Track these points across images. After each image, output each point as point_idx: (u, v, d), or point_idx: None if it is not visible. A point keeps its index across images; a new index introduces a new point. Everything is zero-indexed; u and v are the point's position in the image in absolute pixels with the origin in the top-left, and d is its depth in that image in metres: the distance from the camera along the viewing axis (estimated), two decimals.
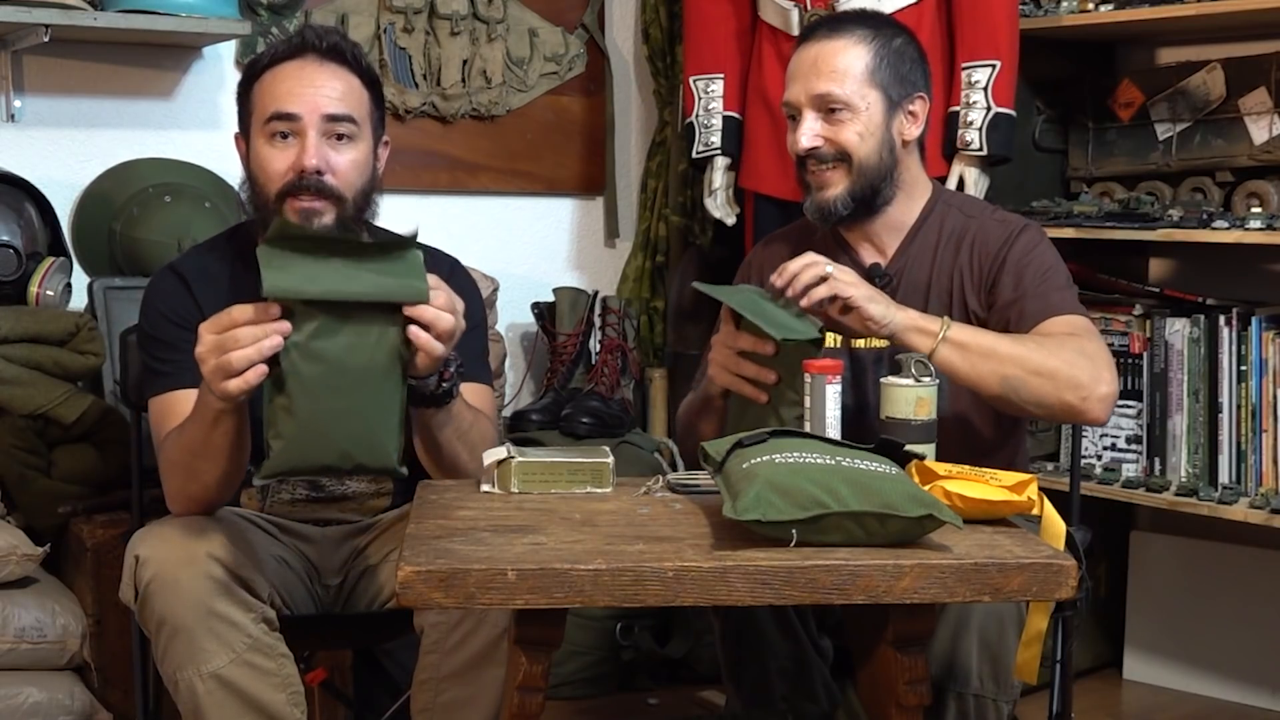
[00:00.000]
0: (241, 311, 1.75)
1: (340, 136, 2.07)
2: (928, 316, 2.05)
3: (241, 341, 1.73)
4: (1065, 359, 2.02)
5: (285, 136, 2.05)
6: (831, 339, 2.25)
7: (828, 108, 2.17)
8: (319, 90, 2.06)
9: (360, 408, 1.77)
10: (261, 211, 2.09)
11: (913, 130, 2.23)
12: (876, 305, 2.02)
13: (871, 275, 2.22)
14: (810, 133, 2.18)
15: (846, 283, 2.01)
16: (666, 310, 3.52)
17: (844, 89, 2.17)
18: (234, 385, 1.74)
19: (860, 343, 2.23)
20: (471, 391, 2.12)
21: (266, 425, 1.77)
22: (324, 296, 1.72)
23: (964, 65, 2.85)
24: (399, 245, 1.76)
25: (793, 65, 2.23)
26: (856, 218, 2.22)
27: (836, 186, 2.19)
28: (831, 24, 2.23)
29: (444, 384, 1.98)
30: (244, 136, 2.15)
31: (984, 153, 2.82)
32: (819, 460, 1.68)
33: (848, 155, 2.17)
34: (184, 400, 2.02)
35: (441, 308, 1.80)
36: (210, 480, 1.99)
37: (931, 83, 2.29)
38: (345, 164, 2.07)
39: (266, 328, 1.73)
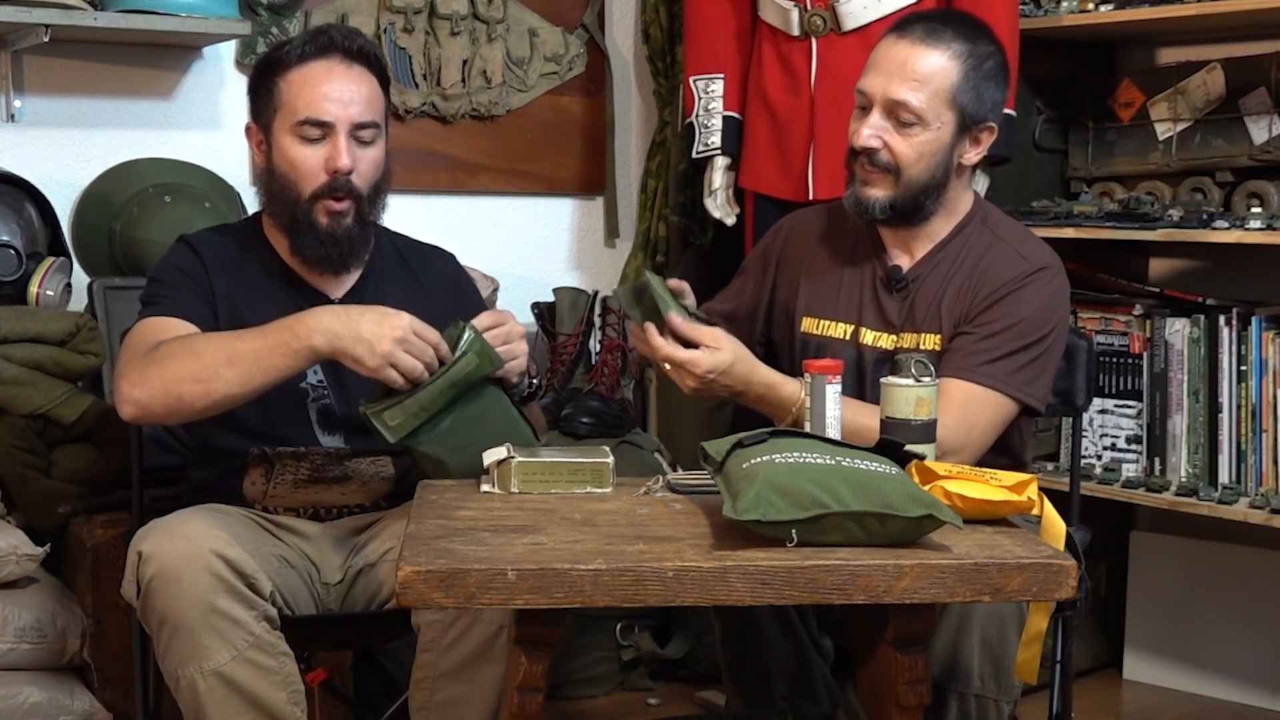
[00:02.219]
0: (445, 344, 2.03)
1: (364, 139, 2.21)
2: (787, 386, 2.07)
3: (421, 352, 1.99)
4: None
5: (317, 139, 2.18)
6: (842, 330, 2.25)
7: (898, 116, 2.14)
8: (350, 97, 2.19)
9: (487, 439, 2.00)
10: (286, 204, 2.20)
11: (973, 156, 2.21)
12: (714, 359, 2.02)
13: (891, 277, 2.22)
14: (874, 131, 2.15)
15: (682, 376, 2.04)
16: None
17: (923, 103, 2.13)
18: (388, 368, 1.98)
19: (867, 339, 2.22)
20: None
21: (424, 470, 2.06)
22: (430, 416, 2.03)
23: None
24: (456, 338, 2.05)
25: (879, 54, 2.17)
26: (892, 223, 2.21)
27: (880, 189, 2.17)
28: (930, 26, 2.16)
29: (531, 380, 2.24)
30: (263, 128, 2.23)
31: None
32: (819, 460, 1.68)
33: (898, 169, 2.15)
34: (177, 327, 2.12)
35: (505, 337, 2.09)
36: (219, 388, 2.02)
37: (1007, 104, 2.24)
38: (367, 163, 2.21)
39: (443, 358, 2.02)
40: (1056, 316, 2.17)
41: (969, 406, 2.07)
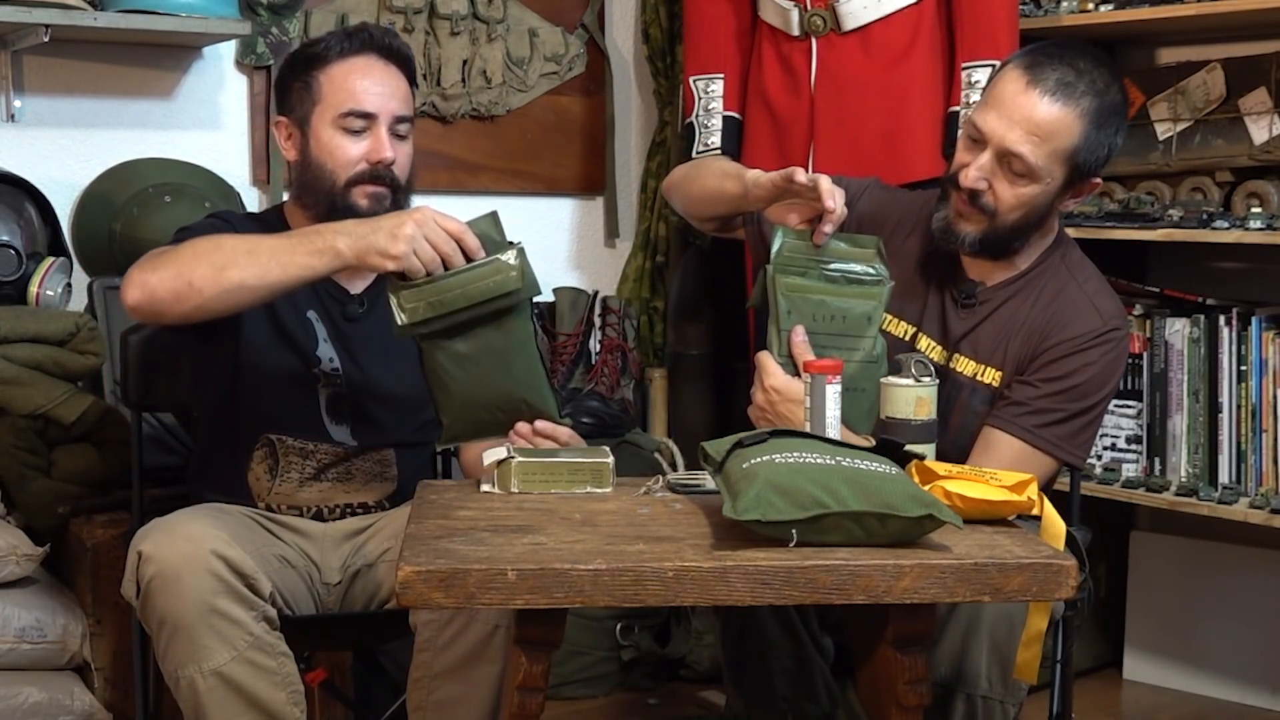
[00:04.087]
0: (472, 237, 1.98)
1: (401, 133, 2.26)
2: None
3: (457, 258, 1.96)
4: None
5: (359, 130, 2.22)
6: (903, 329, 2.21)
7: (1011, 166, 2.07)
8: (390, 92, 2.25)
9: (505, 381, 1.99)
10: (322, 193, 2.22)
11: (1071, 205, 2.17)
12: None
13: (964, 290, 2.18)
14: (981, 174, 2.08)
15: (761, 408, 2.03)
16: (666, 310, 3.51)
17: (1039, 160, 2.06)
18: (412, 256, 1.94)
19: (922, 345, 2.20)
20: None
21: (435, 407, 2.03)
22: (444, 315, 1.97)
23: (964, 65, 2.85)
24: (497, 243, 2.01)
25: (1005, 89, 2.07)
26: (976, 254, 2.16)
27: (973, 226, 2.11)
28: (1065, 78, 2.06)
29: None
30: (297, 122, 2.26)
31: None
32: (819, 460, 1.68)
33: (996, 214, 2.09)
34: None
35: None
36: (233, 274, 1.99)
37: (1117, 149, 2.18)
38: (404, 156, 2.28)
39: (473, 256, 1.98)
40: (1116, 378, 2.15)
41: (1019, 465, 2.01)
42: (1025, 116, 2.05)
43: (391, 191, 2.23)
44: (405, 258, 1.94)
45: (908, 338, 2.21)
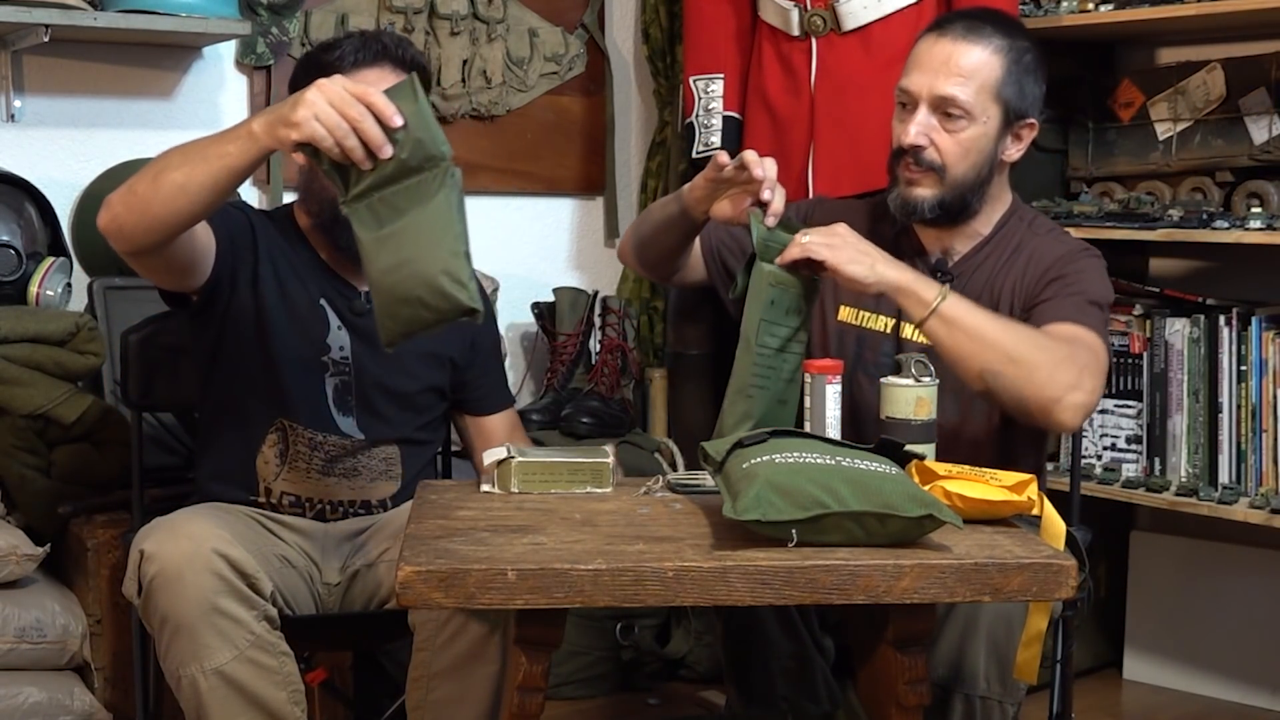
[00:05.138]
0: (382, 98, 1.80)
1: None
2: (927, 281, 2.01)
3: (368, 122, 1.79)
4: (1050, 357, 1.99)
5: None
6: (883, 323, 2.23)
7: (946, 111, 2.14)
8: None
9: (428, 263, 1.81)
10: (328, 202, 2.17)
11: (1014, 153, 2.21)
12: (857, 266, 1.96)
13: (936, 269, 2.21)
14: (920, 129, 2.14)
15: (821, 244, 1.96)
16: (666, 310, 3.51)
17: (970, 97, 2.13)
18: (313, 122, 1.79)
19: (908, 332, 2.21)
20: (505, 420, 2.41)
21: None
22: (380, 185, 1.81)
23: None
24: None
25: (920, 52, 2.18)
26: (936, 223, 2.20)
27: (926, 189, 2.16)
28: (970, 23, 2.17)
29: None
30: None
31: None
32: (819, 460, 1.68)
33: (944, 168, 2.14)
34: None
35: None
36: (169, 177, 1.95)
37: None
38: None
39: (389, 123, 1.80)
40: (1110, 292, 2.18)
41: (1076, 344, 2.04)
42: (944, 61, 2.14)
43: None
44: (305, 123, 1.80)
45: (889, 330, 2.23)
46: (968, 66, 2.13)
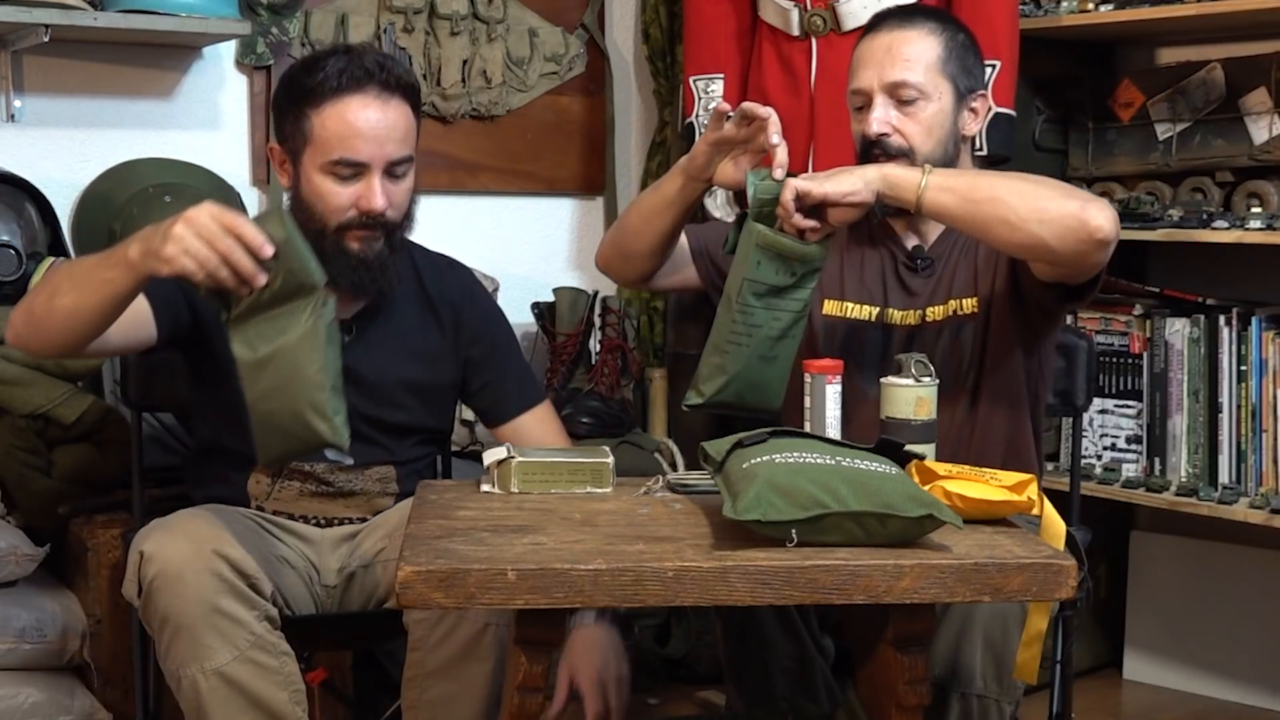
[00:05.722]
0: (251, 229, 1.82)
1: (397, 174, 2.16)
2: (904, 167, 2.06)
3: (237, 254, 1.81)
4: (1043, 183, 2.02)
5: (349, 177, 2.12)
6: (868, 311, 2.24)
7: (900, 96, 2.18)
8: (385, 135, 2.12)
9: (297, 390, 1.85)
10: (311, 233, 2.05)
11: (972, 126, 2.26)
12: (844, 183, 1.97)
13: (914, 257, 2.24)
14: (881, 119, 2.18)
15: (805, 181, 1.96)
16: (666, 310, 3.51)
17: (918, 77, 2.18)
18: (183, 256, 1.80)
19: (894, 318, 2.23)
20: (539, 416, 2.34)
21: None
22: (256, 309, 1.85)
23: None
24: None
25: (861, 53, 2.23)
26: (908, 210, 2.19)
27: None
28: (901, 15, 2.25)
29: None
30: (290, 153, 2.17)
31: (984, 152, 2.82)
32: (819, 460, 1.68)
33: (911, 150, 2.17)
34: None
35: None
36: (61, 302, 1.95)
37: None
38: (400, 195, 2.17)
39: (259, 254, 1.82)
40: None
41: None
42: (886, 51, 2.19)
43: (385, 233, 2.14)
44: (175, 259, 1.81)
45: (875, 318, 2.24)
46: (910, 51, 2.19)
